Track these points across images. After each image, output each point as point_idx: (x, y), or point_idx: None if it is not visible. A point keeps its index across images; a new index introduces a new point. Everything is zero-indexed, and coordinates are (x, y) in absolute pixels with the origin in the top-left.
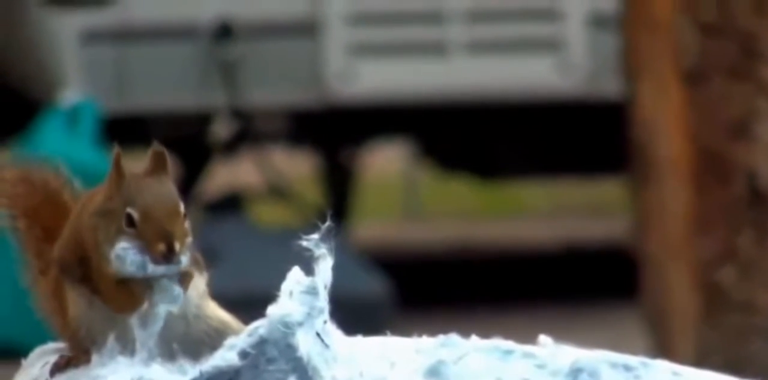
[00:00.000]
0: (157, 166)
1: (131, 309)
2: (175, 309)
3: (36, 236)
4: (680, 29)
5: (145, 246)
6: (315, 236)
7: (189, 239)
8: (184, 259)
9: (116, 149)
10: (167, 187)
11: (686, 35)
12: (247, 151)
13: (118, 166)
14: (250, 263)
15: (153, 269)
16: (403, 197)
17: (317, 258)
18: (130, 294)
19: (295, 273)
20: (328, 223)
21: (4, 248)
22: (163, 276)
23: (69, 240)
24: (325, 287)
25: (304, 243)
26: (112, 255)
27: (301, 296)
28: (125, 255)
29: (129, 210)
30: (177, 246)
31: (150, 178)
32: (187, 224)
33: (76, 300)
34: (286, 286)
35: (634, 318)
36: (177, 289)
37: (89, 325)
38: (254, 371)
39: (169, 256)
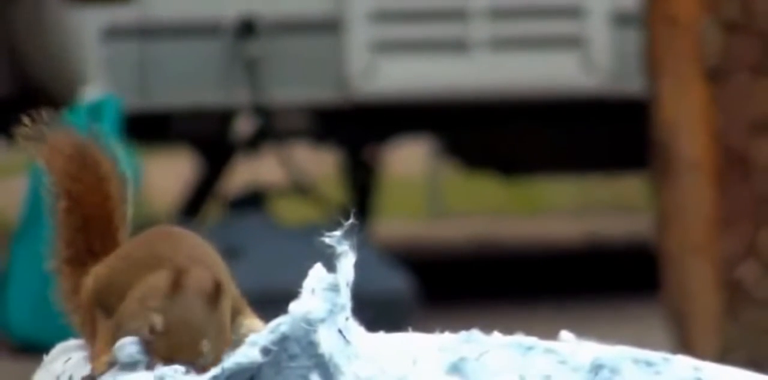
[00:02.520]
0: (212, 295)
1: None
2: None
3: (73, 224)
4: (703, 27)
5: (150, 353)
6: (337, 233)
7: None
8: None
9: (183, 268)
10: (204, 317)
11: (709, 33)
12: (270, 149)
13: (177, 280)
14: (272, 260)
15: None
16: (427, 195)
17: (339, 255)
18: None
19: (318, 270)
20: (350, 220)
21: (27, 246)
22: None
23: (110, 280)
24: (347, 284)
25: (327, 240)
26: (119, 341)
27: (324, 293)
28: (126, 348)
29: (156, 317)
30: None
31: (198, 300)
32: (200, 359)
33: (104, 329)
34: (308, 283)
35: (656, 315)
36: None
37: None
38: (276, 367)
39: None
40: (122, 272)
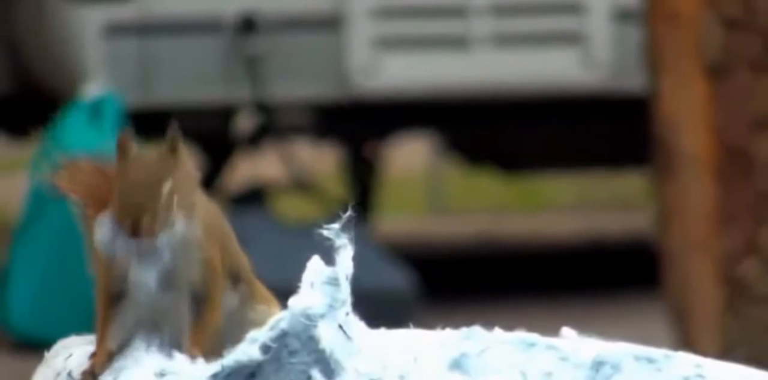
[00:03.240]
0: (168, 148)
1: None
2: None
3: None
4: (704, 23)
5: (116, 220)
6: (335, 226)
7: (171, 217)
8: (164, 236)
9: (123, 135)
10: (160, 167)
11: (710, 29)
12: (271, 145)
13: (122, 149)
14: (273, 257)
15: (122, 243)
16: (428, 191)
17: (338, 249)
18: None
19: (316, 264)
20: (347, 213)
21: (28, 243)
22: (135, 252)
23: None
24: (347, 278)
25: (325, 234)
26: (95, 226)
27: (323, 287)
28: (100, 230)
29: (116, 191)
30: (145, 221)
31: (149, 158)
32: (167, 202)
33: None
34: (306, 277)
35: (657, 312)
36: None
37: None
38: (276, 364)
39: (135, 232)
40: None
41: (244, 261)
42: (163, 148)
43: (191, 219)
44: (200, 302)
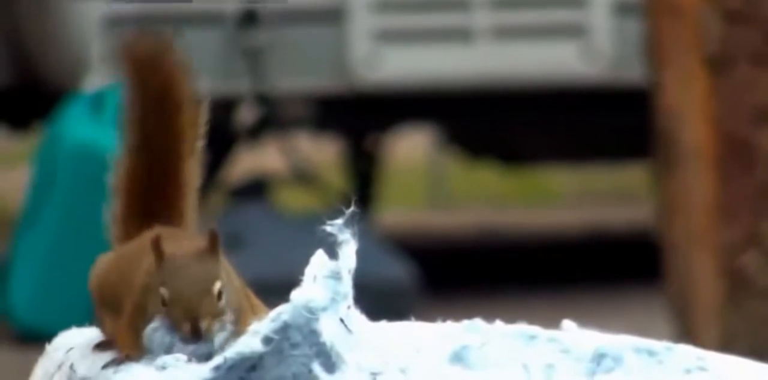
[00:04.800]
0: (209, 246)
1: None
2: None
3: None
4: (704, 16)
5: (173, 325)
6: (338, 221)
7: (225, 317)
8: (219, 338)
9: (156, 233)
10: (206, 266)
11: (710, 22)
12: (272, 137)
13: (157, 248)
14: (274, 249)
15: (180, 348)
16: (429, 184)
17: (341, 243)
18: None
19: (319, 257)
20: (351, 208)
21: (30, 235)
22: (192, 355)
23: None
24: (349, 272)
25: (328, 229)
26: (144, 334)
27: (325, 281)
28: (153, 337)
29: (161, 290)
30: (203, 325)
31: (191, 257)
32: (221, 302)
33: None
34: (309, 271)
35: (658, 304)
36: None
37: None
38: (278, 356)
39: (195, 335)
40: (118, 266)
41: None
42: (201, 244)
43: (238, 315)
44: None
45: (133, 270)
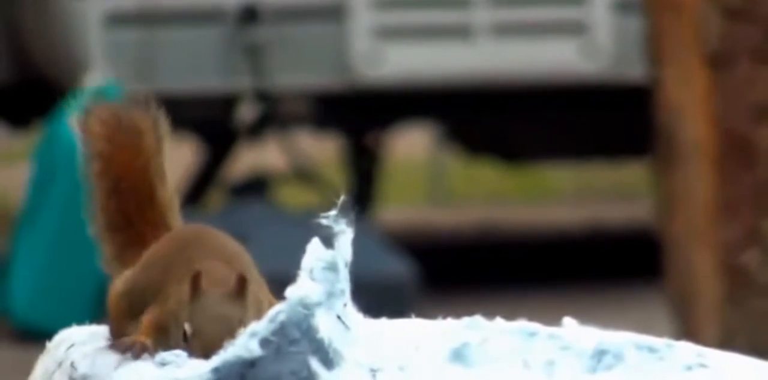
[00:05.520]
0: (236, 290)
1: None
2: None
3: (106, 187)
4: (704, 13)
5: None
6: (333, 212)
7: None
8: None
9: (196, 275)
10: (233, 310)
11: (710, 19)
12: (273, 135)
13: (195, 284)
14: (275, 246)
15: None
16: (429, 181)
17: (336, 234)
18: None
19: (315, 247)
20: (345, 198)
21: (30, 232)
22: None
23: (138, 285)
24: (346, 264)
25: (323, 221)
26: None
27: (322, 273)
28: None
29: (186, 325)
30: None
31: (222, 297)
32: None
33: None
34: (306, 262)
35: (658, 301)
36: None
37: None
38: (276, 353)
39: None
40: (150, 277)
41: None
42: (234, 286)
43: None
44: None
45: (164, 279)
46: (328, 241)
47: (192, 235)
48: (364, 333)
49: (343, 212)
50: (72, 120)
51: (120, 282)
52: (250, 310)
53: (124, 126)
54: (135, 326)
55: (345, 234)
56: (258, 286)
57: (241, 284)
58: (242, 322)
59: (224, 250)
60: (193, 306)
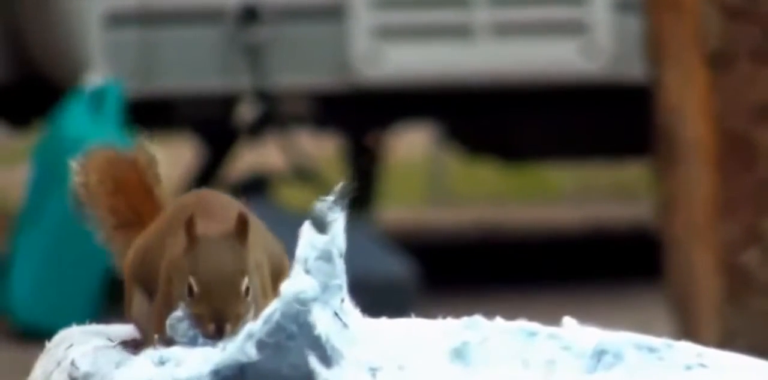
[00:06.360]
0: (237, 231)
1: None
2: None
3: (107, 190)
4: (705, 13)
5: (198, 322)
6: (329, 199)
7: (248, 316)
8: (242, 327)
9: (191, 217)
10: (235, 258)
11: (710, 19)
12: (273, 134)
13: (190, 230)
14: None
15: (203, 343)
16: (429, 180)
17: (330, 222)
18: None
19: (308, 233)
20: (339, 188)
21: (31, 232)
22: (210, 343)
23: (144, 251)
24: (340, 254)
25: (317, 210)
26: (168, 321)
27: (316, 263)
28: (178, 327)
29: (191, 279)
30: (228, 327)
31: (223, 242)
32: (247, 300)
33: (139, 300)
34: (300, 252)
35: (658, 301)
36: None
37: (147, 324)
38: (274, 351)
39: (219, 335)
40: (154, 242)
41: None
42: (234, 227)
43: (260, 304)
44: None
45: (167, 246)
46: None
47: (194, 197)
48: (364, 332)
49: (338, 201)
50: (72, 166)
51: (131, 251)
52: (255, 252)
53: (124, 163)
54: (141, 296)
55: (338, 222)
56: (266, 238)
57: (242, 223)
58: (246, 274)
59: (227, 208)
60: (193, 256)
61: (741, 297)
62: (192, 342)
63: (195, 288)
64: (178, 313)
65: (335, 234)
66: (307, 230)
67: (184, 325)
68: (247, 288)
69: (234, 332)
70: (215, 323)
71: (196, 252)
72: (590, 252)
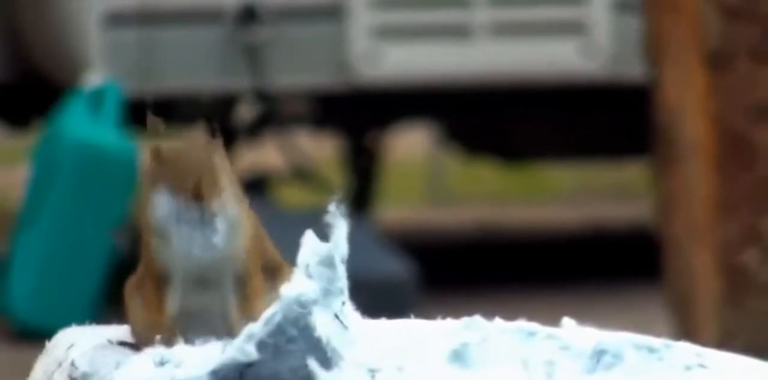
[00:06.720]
0: (205, 138)
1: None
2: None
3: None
4: (704, 13)
5: (176, 188)
6: (330, 207)
7: (226, 195)
8: (221, 202)
9: (154, 121)
10: (205, 146)
11: (710, 18)
12: (272, 134)
13: (156, 151)
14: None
15: (184, 212)
16: (428, 180)
17: (332, 228)
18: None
19: (310, 240)
20: (340, 194)
21: (30, 232)
22: (194, 218)
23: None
24: (342, 260)
25: (319, 216)
26: (150, 204)
27: (318, 269)
28: (159, 203)
29: (164, 166)
30: (205, 185)
31: (189, 146)
32: (222, 179)
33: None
34: (301, 258)
35: (658, 301)
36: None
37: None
38: (274, 353)
39: (197, 197)
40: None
41: (279, 260)
42: (199, 136)
43: (235, 195)
44: (242, 284)
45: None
46: (325, 237)
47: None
48: (363, 334)
49: (339, 208)
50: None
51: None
52: (222, 154)
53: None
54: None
55: (340, 229)
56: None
57: (211, 132)
58: (217, 161)
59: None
60: (162, 159)
61: (740, 298)
62: (178, 217)
63: (171, 168)
64: (160, 191)
65: (338, 241)
66: (309, 237)
67: (164, 199)
68: (220, 165)
69: (213, 195)
70: (192, 182)
71: (163, 156)
72: (589, 253)
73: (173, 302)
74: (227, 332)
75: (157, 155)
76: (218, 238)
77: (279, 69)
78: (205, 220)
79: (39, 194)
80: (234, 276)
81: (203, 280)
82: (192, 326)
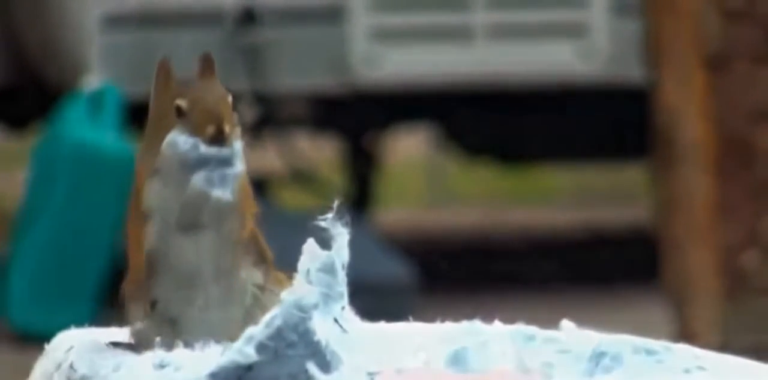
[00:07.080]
0: (204, 70)
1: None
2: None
3: None
4: (704, 15)
5: (195, 130)
6: (330, 214)
7: (238, 129)
8: (237, 145)
9: (163, 61)
10: (214, 83)
11: (709, 21)
12: (271, 136)
13: (164, 71)
14: (273, 248)
15: (205, 150)
16: (428, 182)
17: (333, 236)
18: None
19: (311, 248)
20: (340, 201)
21: (29, 235)
22: (214, 158)
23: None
24: (343, 267)
25: (321, 223)
26: (164, 144)
27: (319, 275)
28: (177, 140)
29: (178, 102)
30: (227, 128)
31: (197, 79)
32: (234, 113)
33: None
34: (302, 265)
35: (657, 303)
36: (227, 172)
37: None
38: (274, 357)
39: (219, 138)
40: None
41: (264, 245)
42: (199, 69)
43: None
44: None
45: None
46: (325, 243)
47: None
48: (362, 337)
49: (340, 214)
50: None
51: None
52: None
53: None
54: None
55: (342, 237)
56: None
57: (207, 63)
58: (228, 95)
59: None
60: (175, 89)
61: (740, 299)
62: (194, 150)
63: (184, 105)
64: (174, 133)
65: (339, 248)
66: (310, 245)
67: (182, 139)
68: (233, 104)
69: (233, 137)
70: (213, 123)
71: (175, 87)
72: (588, 255)
73: (152, 238)
74: (211, 278)
75: (179, 110)
76: (236, 180)
77: (278, 71)
78: (226, 161)
79: (38, 197)
80: (231, 219)
81: (192, 224)
82: (167, 270)
